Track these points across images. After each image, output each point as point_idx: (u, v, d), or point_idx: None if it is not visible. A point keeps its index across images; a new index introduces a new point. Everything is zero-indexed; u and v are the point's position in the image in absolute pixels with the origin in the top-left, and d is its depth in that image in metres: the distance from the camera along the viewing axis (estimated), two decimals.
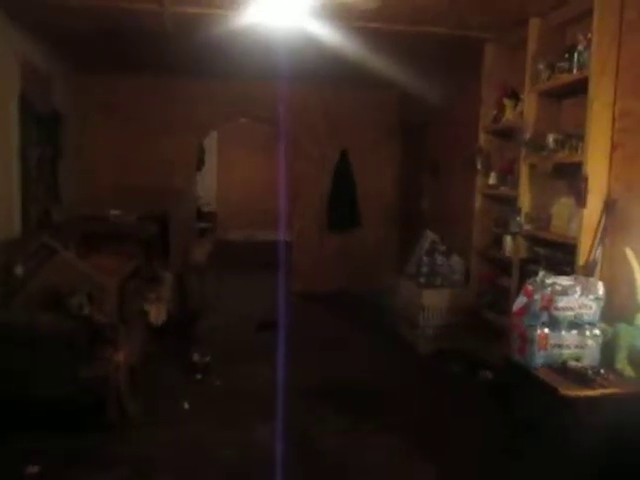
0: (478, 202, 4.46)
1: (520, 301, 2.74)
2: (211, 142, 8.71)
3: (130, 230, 5.29)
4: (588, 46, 3.15)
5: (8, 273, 3.18)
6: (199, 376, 3.97)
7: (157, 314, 4.49)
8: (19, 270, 3.30)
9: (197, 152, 6.84)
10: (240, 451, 2.96)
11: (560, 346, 2.60)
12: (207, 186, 8.76)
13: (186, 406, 3.47)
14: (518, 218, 3.75)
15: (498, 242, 4.17)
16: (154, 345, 4.23)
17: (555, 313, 2.59)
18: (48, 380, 2.99)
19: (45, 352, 3.00)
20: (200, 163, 7.27)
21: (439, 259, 4.78)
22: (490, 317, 4.15)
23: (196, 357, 4.17)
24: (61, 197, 5.48)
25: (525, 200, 3.75)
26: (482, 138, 4.43)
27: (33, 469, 2.68)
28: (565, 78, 3.35)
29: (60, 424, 3.01)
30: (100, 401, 3.06)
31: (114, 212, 5.63)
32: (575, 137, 3.29)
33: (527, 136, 3.70)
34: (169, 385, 3.81)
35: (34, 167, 4.76)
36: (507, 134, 4.25)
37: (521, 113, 3.86)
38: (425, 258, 4.83)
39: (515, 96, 4.03)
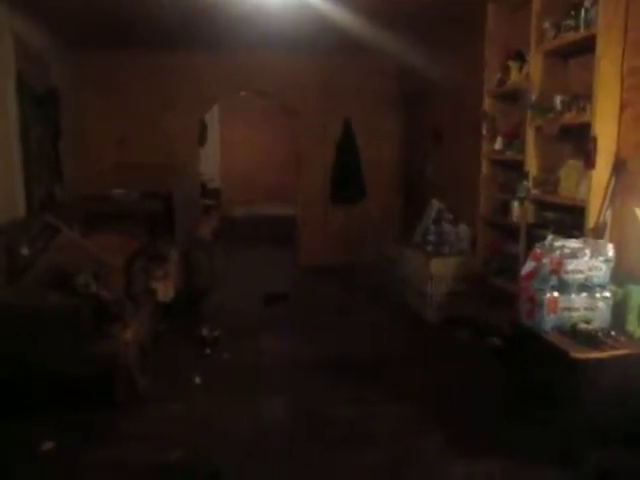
0: (484, 168, 4.39)
1: (529, 265, 2.72)
2: (213, 117, 8.62)
3: (134, 208, 5.27)
4: (595, 2, 3.04)
5: (14, 253, 3.18)
6: (208, 351, 3.99)
7: (165, 291, 4.50)
8: (24, 250, 3.30)
9: (198, 128, 6.77)
10: (250, 424, 2.98)
11: (570, 309, 2.58)
12: (210, 162, 8.70)
13: (197, 381, 3.49)
14: (525, 182, 3.69)
15: (505, 208, 4.12)
16: (163, 322, 4.25)
17: (564, 276, 2.56)
18: (58, 359, 3.01)
19: (53, 331, 3.01)
20: (202, 139, 7.20)
21: (446, 227, 4.74)
22: (498, 283, 4.12)
23: (205, 332, 4.19)
24: (64, 177, 5.46)
25: (532, 164, 3.69)
26: (487, 102, 4.34)
27: (48, 445, 2.71)
28: (571, 37, 3.26)
29: (71, 402, 3.04)
30: (110, 378, 3.08)
31: (117, 191, 5.61)
32: (582, 97, 3.21)
33: (533, 98, 3.61)
34: (179, 360, 3.83)
35: (35, 147, 4.73)
36: (512, 97, 4.15)
37: (527, 75, 3.76)
38: (432, 227, 4.80)
39: (520, 57, 3.93)
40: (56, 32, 5.16)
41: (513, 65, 3.99)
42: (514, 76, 4.00)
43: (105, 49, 5.91)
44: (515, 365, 3.02)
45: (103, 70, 6.12)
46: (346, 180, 6.75)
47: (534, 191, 3.67)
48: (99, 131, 6.17)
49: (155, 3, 4.21)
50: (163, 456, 2.66)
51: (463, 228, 4.75)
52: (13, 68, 4.29)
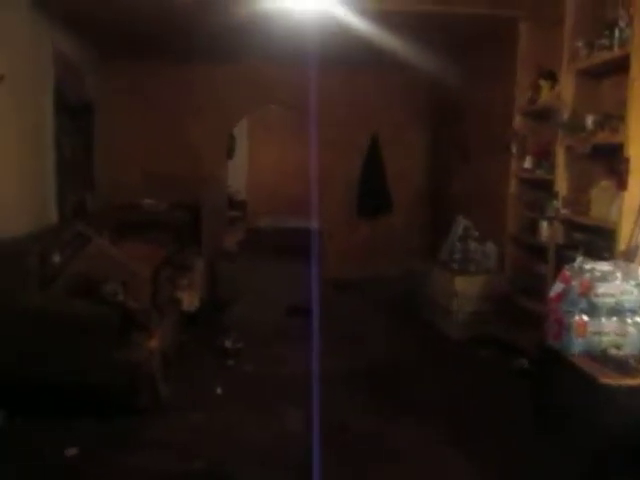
0: (512, 186, 4.36)
1: (557, 287, 2.67)
2: (241, 129, 8.73)
3: (162, 218, 5.36)
4: (630, 22, 3.01)
5: (45, 260, 3.25)
6: (231, 362, 4.00)
7: (189, 301, 4.55)
8: (56, 258, 3.37)
9: (227, 140, 6.86)
10: (272, 436, 2.97)
11: (599, 333, 2.52)
12: (237, 174, 8.80)
13: (219, 391, 3.50)
14: (555, 202, 3.64)
15: (533, 227, 4.07)
16: (187, 331, 4.28)
17: (594, 299, 2.51)
18: (83, 366, 3.05)
19: (80, 338, 3.06)
20: (231, 151, 7.30)
21: (472, 245, 4.69)
22: (524, 304, 4.07)
23: (228, 343, 4.21)
24: (95, 186, 5.58)
25: (562, 183, 3.64)
26: (517, 120, 4.31)
27: (72, 451, 2.74)
28: (605, 56, 3.22)
29: (95, 409, 3.07)
30: (134, 386, 3.11)
31: (147, 201, 5.71)
32: (615, 117, 3.17)
33: (564, 117, 3.58)
34: (201, 371, 3.85)
35: (68, 157, 4.85)
36: (543, 116, 4.12)
37: (558, 94, 3.73)
38: (458, 244, 4.75)
39: (552, 76, 3.90)
40: (91, 45, 5.31)
41: (544, 84, 3.96)
42: (545, 95, 3.97)
43: (137, 62, 6.04)
44: (541, 388, 2.96)
45: (135, 82, 6.26)
46: (372, 194, 6.75)
47: (564, 211, 3.62)
48: (130, 142, 6.29)
49: (187, 19, 4.31)
50: (184, 465, 2.67)
51: (490, 246, 4.70)
52: (52, 80, 4.42)
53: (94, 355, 3.05)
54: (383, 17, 4.07)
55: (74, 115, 4.98)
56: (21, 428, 2.94)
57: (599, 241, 3.30)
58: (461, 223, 4.93)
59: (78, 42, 5.06)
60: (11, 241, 3.31)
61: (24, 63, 3.91)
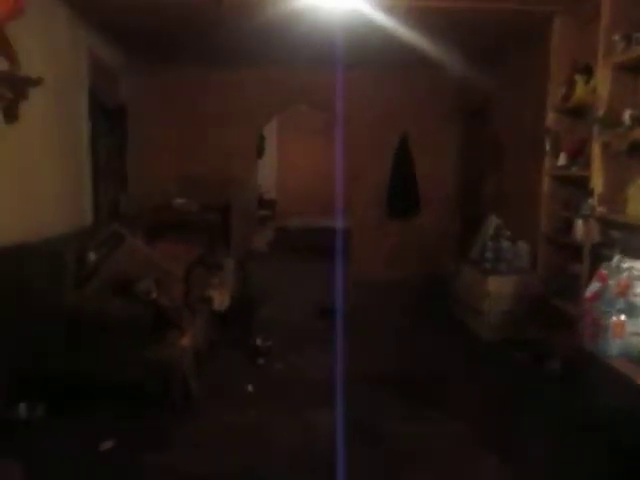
0: (546, 184, 4.27)
1: (593, 286, 2.61)
2: (271, 130, 8.79)
3: (193, 218, 5.44)
4: None
5: (81, 260, 3.33)
6: (261, 360, 4.03)
7: (220, 300, 4.59)
8: (91, 257, 3.44)
9: (257, 141, 6.91)
10: (302, 435, 2.98)
11: (638, 334, 2.45)
12: (267, 174, 8.86)
13: (250, 389, 3.53)
14: (590, 200, 3.56)
15: (567, 226, 3.98)
16: (218, 330, 4.33)
17: (633, 299, 2.45)
18: (117, 363, 3.12)
19: (114, 336, 3.12)
20: (260, 151, 7.35)
21: (504, 244, 4.62)
22: (558, 304, 3.98)
23: (258, 342, 4.23)
24: (128, 187, 5.70)
25: (598, 181, 3.55)
26: (551, 117, 4.23)
27: (107, 444, 2.80)
28: None
29: (129, 404, 3.13)
30: (166, 384, 3.16)
31: (178, 201, 5.80)
32: None
33: (600, 113, 3.49)
34: (232, 369, 3.89)
35: (103, 159, 4.97)
36: (578, 112, 4.03)
37: (594, 89, 3.64)
38: (490, 243, 4.68)
39: (587, 71, 3.81)
40: (125, 49, 5.42)
41: (579, 79, 3.87)
42: (580, 90, 3.88)
43: (169, 65, 6.15)
44: (576, 391, 2.89)
45: (167, 85, 6.36)
46: (401, 195, 6.71)
47: (600, 209, 3.53)
48: (161, 143, 6.40)
49: (216, 23, 4.36)
50: (213, 466, 2.70)
51: (522, 246, 4.62)
52: (87, 82, 4.53)
53: (127, 353, 3.12)
54: (412, 16, 4.04)
55: (108, 118, 5.10)
56: (57, 422, 3.01)
57: (636, 239, 3.20)
58: (492, 222, 4.86)
59: (112, 46, 5.18)
60: (49, 242, 3.40)
61: (61, 67, 4.02)
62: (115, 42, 5.13)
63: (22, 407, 3.05)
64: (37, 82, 3.24)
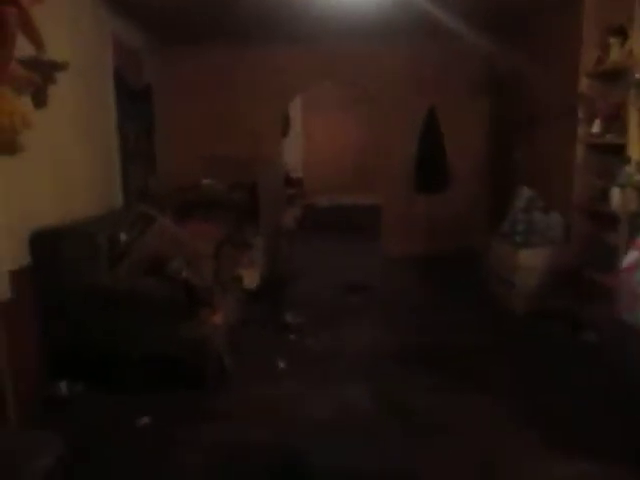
0: (580, 153, 4.14)
1: (631, 256, 2.54)
2: (295, 108, 8.73)
3: (222, 198, 5.47)
4: None
5: (113, 241, 3.39)
6: (292, 336, 4.07)
7: (250, 278, 4.64)
8: (123, 238, 3.50)
9: (282, 119, 6.87)
10: (332, 409, 3.01)
11: None
12: (293, 152, 8.83)
13: (281, 365, 3.57)
14: (627, 168, 3.44)
15: (603, 196, 3.87)
16: (249, 308, 4.38)
17: None
18: (152, 340, 3.19)
19: (148, 314, 3.19)
20: (285, 129, 7.32)
21: (537, 216, 4.52)
22: (593, 276, 3.89)
23: (289, 318, 4.28)
24: (157, 168, 5.75)
25: (635, 148, 3.43)
26: (584, 83, 4.08)
27: (145, 420, 2.89)
28: None
29: (164, 381, 3.20)
30: (199, 360, 3.22)
31: (206, 181, 5.83)
32: None
33: (637, 76, 3.35)
34: (264, 345, 3.94)
35: (132, 141, 5.01)
36: (613, 77, 3.88)
37: (630, 51, 3.50)
38: (521, 215, 4.58)
39: (622, 33, 3.65)
40: (148, 30, 5.41)
41: (614, 41, 3.72)
42: (615, 53, 3.73)
43: (193, 45, 6.12)
44: (613, 362, 2.84)
45: (191, 65, 6.35)
46: (430, 169, 6.60)
47: (637, 177, 3.41)
48: (188, 124, 6.41)
49: (240, 2, 4.31)
50: (247, 437, 2.76)
51: (555, 216, 4.51)
52: (111, 65, 4.56)
53: (161, 331, 3.18)
54: None
55: (135, 100, 5.13)
56: (95, 398, 3.11)
57: None
58: (525, 194, 4.75)
59: (136, 27, 5.18)
60: (81, 224, 3.47)
61: (86, 50, 4.04)
62: (138, 23, 5.12)
63: (63, 385, 3.16)
64: (64, 66, 3.26)
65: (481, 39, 5.58)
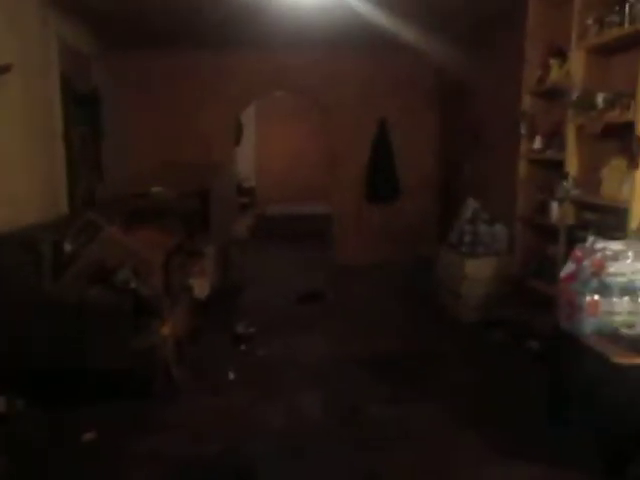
0: (522, 167, 4.31)
1: (569, 267, 2.66)
2: (248, 116, 8.71)
3: (172, 206, 5.37)
4: None
5: (58, 249, 3.28)
6: (243, 347, 4.04)
7: (201, 288, 4.57)
8: (68, 247, 3.40)
9: (235, 127, 6.85)
10: (285, 420, 3.01)
11: (611, 313, 2.51)
12: (246, 160, 8.79)
13: (231, 376, 3.54)
14: (565, 183, 3.61)
15: (544, 208, 4.04)
16: (199, 317, 4.32)
17: (606, 279, 2.50)
18: (98, 352, 3.10)
19: (94, 325, 3.10)
20: (238, 138, 7.29)
21: (482, 227, 4.67)
22: (536, 285, 4.05)
23: (240, 328, 4.25)
24: (104, 175, 5.61)
25: (573, 163, 3.61)
26: (526, 100, 4.26)
27: (90, 435, 2.80)
28: (615, 33, 3.17)
29: (110, 393, 3.12)
30: (148, 372, 3.16)
31: (156, 189, 5.72)
32: (627, 95, 3.12)
33: (575, 96, 3.53)
34: (215, 356, 3.90)
35: (78, 146, 4.87)
36: (553, 95, 4.07)
37: (568, 72, 3.68)
38: (467, 227, 4.73)
39: (561, 54, 3.85)
40: (97, 34, 5.30)
41: (554, 62, 3.91)
42: (555, 73, 3.92)
43: (143, 50, 6.03)
44: (554, 369, 2.96)
45: (142, 70, 6.25)
46: (380, 179, 6.73)
47: (574, 191, 3.59)
48: (138, 130, 6.30)
49: (193, 7, 4.29)
50: (198, 449, 2.72)
51: (500, 228, 4.68)
52: (57, 69, 4.43)
53: (108, 342, 3.10)
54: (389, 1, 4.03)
55: (82, 104, 5.00)
56: (38, 415, 2.99)
57: (610, 220, 3.27)
58: (470, 205, 4.91)
59: (84, 30, 5.06)
60: (23, 231, 3.34)
61: (31, 52, 3.91)
62: (87, 27, 5.01)
63: (2, 400, 3.01)
64: (6, 69, 3.16)
65: (432, 52, 5.75)
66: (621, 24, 3.12)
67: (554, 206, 3.84)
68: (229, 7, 4.28)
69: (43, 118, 4.17)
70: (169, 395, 3.21)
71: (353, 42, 5.73)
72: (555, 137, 3.95)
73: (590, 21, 3.38)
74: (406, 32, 4.91)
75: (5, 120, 3.42)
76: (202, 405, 3.17)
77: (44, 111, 4.19)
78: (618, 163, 3.27)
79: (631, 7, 3.04)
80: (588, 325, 2.53)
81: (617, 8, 3.15)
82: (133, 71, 6.21)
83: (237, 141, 7.17)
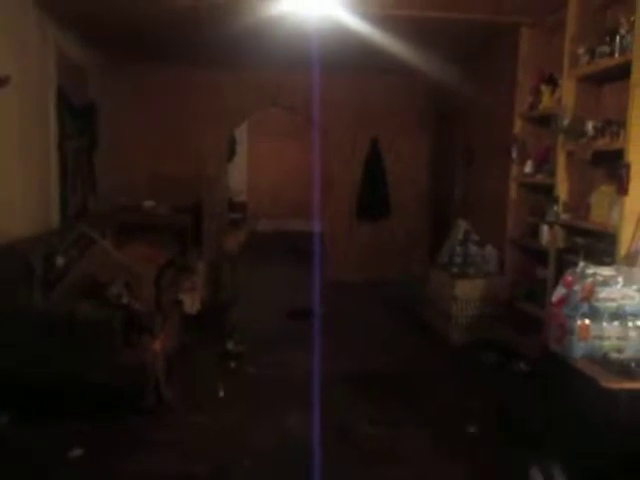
0: (513, 191, 4.38)
1: (559, 291, 2.69)
2: (241, 132, 8.75)
3: (164, 220, 5.38)
4: (631, 29, 3.04)
5: (49, 263, 3.26)
6: (233, 364, 4.02)
7: (192, 303, 4.56)
8: (60, 260, 3.38)
9: (228, 142, 6.88)
10: (274, 439, 2.99)
11: (601, 337, 2.54)
12: (238, 176, 8.82)
13: (221, 394, 3.51)
14: (555, 207, 3.67)
15: (534, 231, 4.10)
16: (189, 333, 4.29)
17: (596, 304, 2.53)
18: (88, 367, 3.07)
19: (84, 340, 3.07)
20: (231, 153, 7.32)
21: (472, 249, 4.72)
22: (525, 308, 4.09)
23: (230, 345, 4.22)
24: (97, 188, 5.60)
25: (563, 188, 3.67)
26: (517, 125, 4.35)
27: (76, 452, 2.76)
28: (606, 62, 3.26)
29: (99, 410, 3.08)
30: (138, 388, 3.13)
31: (148, 203, 5.72)
32: (616, 123, 3.20)
33: (565, 123, 3.61)
34: (204, 373, 3.87)
35: (71, 159, 4.86)
36: (544, 121, 4.15)
37: (559, 99, 3.76)
38: (458, 248, 4.78)
39: (553, 82, 3.94)
40: (95, 46, 5.32)
41: (545, 89, 4.00)
42: (546, 100, 4.00)
43: (141, 64, 6.07)
44: (543, 391, 2.98)
45: (138, 85, 6.27)
46: (372, 197, 6.78)
47: (564, 216, 3.65)
48: (132, 144, 6.30)
49: (191, 25, 4.34)
50: (187, 467, 2.69)
51: (490, 250, 4.73)
52: (54, 80, 4.44)
53: (98, 357, 3.07)
54: (386, 21, 4.10)
55: (77, 117, 5.00)
56: (25, 430, 2.95)
57: (599, 245, 3.32)
58: (461, 226, 4.96)
59: (82, 43, 5.08)
60: (15, 243, 3.32)
61: (29, 64, 3.92)
62: (85, 40, 5.03)
63: None
64: (4, 81, 3.17)
65: (426, 74, 5.84)
66: (611, 54, 3.20)
67: (544, 229, 3.90)
68: (229, 28, 4.32)
69: (39, 130, 4.17)
70: (158, 412, 3.18)
71: (347, 62, 5.80)
72: (546, 162, 4.03)
73: (581, 50, 3.46)
74: (401, 54, 4.98)
75: (1, 132, 3.42)
76: (192, 423, 3.14)
77: (40, 123, 4.19)
78: (607, 189, 3.34)
79: (621, 38, 3.12)
80: (578, 349, 2.55)
81: (608, 39, 3.24)
82: (129, 85, 6.23)
83: (230, 157, 7.20)
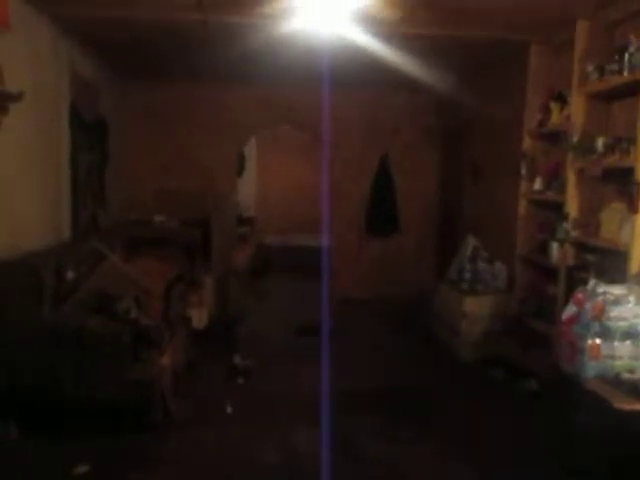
0: (522, 207, 4.37)
1: (570, 309, 2.67)
2: (250, 148, 8.81)
3: (173, 235, 5.40)
4: None
5: (60, 277, 3.28)
6: (241, 380, 4.00)
7: (199, 318, 4.57)
8: (70, 275, 3.40)
9: (237, 158, 6.93)
10: (282, 455, 2.97)
11: (613, 357, 2.51)
12: (246, 192, 8.86)
13: (229, 410, 3.50)
14: (565, 224, 3.65)
15: (543, 248, 4.08)
16: (197, 348, 4.29)
17: (607, 323, 2.51)
18: (95, 382, 3.07)
19: (93, 355, 3.08)
20: (240, 169, 7.36)
21: (481, 265, 4.70)
22: (534, 325, 4.05)
23: (237, 360, 4.21)
24: (107, 202, 5.64)
25: (573, 205, 3.66)
26: (527, 142, 4.34)
27: (82, 468, 2.75)
28: (615, 80, 3.26)
29: (107, 425, 3.08)
30: (145, 403, 3.12)
31: (158, 217, 5.75)
32: (626, 140, 3.19)
33: (574, 140, 3.60)
34: (212, 388, 3.86)
35: (83, 174, 4.91)
36: (553, 138, 4.15)
37: (568, 116, 3.76)
38: (467, 264, 4.76)
39: (562, 99, 3.94)
40: (106, 63, 5.40)
41: (554, 106, 4.00)
42: (555, 117, 4.00)
43: (151, 81, 6.14)
44: (552, 410, 2.95)
45: (148, 100, 6.34)
46: (380, 213, 6.78)
47: (574, 233, 3.63)
48: (142, 159, 6.36)
49: (202, 42, 4.39)
50: None
51: (499, 267, 4.70)
52: (68, 97, 4.50)
53: (106, 372, 3.07)
54: (396, 39, 4.13)
55: (88, 132, 5.05)
56: (30, 445, 2.94)
57: (610, 263, 3.30)
58: (470, 243, 4.94)
59: (94, 60, 5.15)
60: (26, 257, 3.34)
61: (43, 81, 3.98)
62: (97, 56, 5.11)
63: None
64: (18, 97, 3.22)
65: (434, 90, 5.86)
66: (620, 72, 3.20)
67: (554, 246, 3.88)
68: (240, 46, 4.37)
69: (52, 145, 4.21)
70: (166, 428, 3.17)
71: (357, 80, 5.84)
72: (555, 179, 4.02)
73: (590, 68, 3.47)
74: (410, 71, 5.01)
75: (12, 147, 3.46)
76: (199, 439, 3.13)
77: (53, 138, 4.24)
78: (618, 206, 3.32)
79: (630, 56, 3.13)
80: (590, 369, 2.53)
81: (617, 57, 3.25)
82: (139, 100, 6.30)
83: (239, 173, 7.24)
